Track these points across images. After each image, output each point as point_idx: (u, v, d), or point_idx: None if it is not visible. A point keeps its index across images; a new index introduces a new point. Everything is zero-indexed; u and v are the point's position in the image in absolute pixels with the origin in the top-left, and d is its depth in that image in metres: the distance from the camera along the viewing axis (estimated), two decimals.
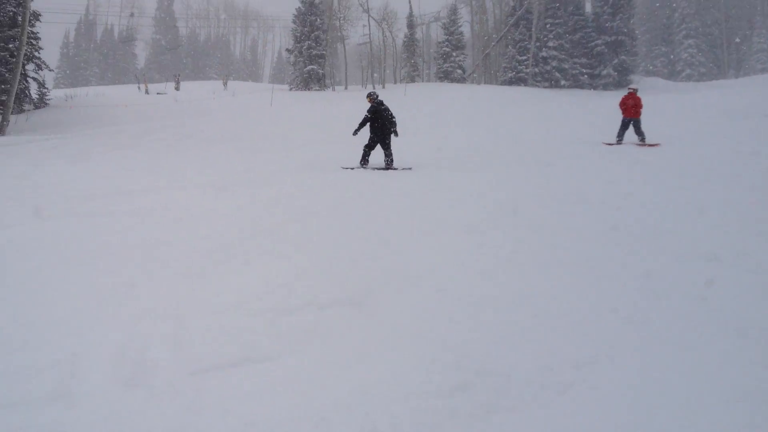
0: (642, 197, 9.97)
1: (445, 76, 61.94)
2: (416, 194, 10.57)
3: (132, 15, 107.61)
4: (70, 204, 10.28)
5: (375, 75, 63.71)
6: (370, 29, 62.59)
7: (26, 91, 34.64)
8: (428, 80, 70.88)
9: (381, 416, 3.63)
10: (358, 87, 62.40)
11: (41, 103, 36.54)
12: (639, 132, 18.01)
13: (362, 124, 13.72)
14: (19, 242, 7.90)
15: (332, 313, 5.20)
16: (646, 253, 6.74)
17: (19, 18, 30.48)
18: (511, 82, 58.45)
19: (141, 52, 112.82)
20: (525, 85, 56.25)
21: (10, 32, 32.45)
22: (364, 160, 13.79)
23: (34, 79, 35.81)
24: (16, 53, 28.49)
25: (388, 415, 3.65)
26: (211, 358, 4.37)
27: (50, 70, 39.60)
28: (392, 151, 13.88)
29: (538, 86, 55.61)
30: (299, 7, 55.93)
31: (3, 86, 31.18)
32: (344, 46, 65.38)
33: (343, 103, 36.70)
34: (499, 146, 17.63)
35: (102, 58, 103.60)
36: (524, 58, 58.40)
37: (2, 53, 32.17)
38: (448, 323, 4.96)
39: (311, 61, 54.23)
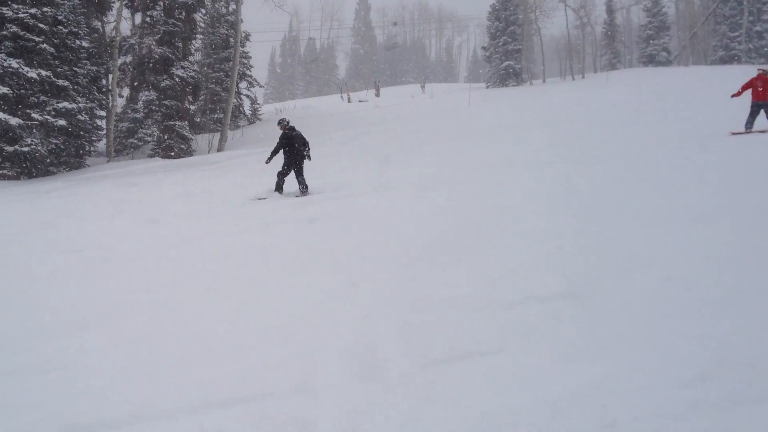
0: None
1: (649, 61, 58.94)
2: (643, 183, 10.10)
3: (395, 24, 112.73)
4: (286, 211, 11.16)
5: (574, 65, 61.96)
6: (567, 19, 61.00)
7: (240, 108, 37.96)
8: (630, 66, 67.56)
9: (620, 408, 3.51)
10: (556, 79, 60.85)
11: (254, 118, 39.79)
12: None
13: (275, 152, 13.68)
14: (246, 247, 8.68)
15: (553, 306, 5.14)
16: None
17: (232, 39, 33.55)
18: (722, 62, 54.03)
19: (341, 63, 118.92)
20: (738, 63, 51.57)
21: (223, 53, 35.83)
22: (279, 188, 13.70)
23: (247, 96, 39.18)
24: (230, 73, 31.28)
25: (628, 406, 3.52)
26: (438, 351, 4.50)
27: (261, 86, 43.05)
28: (305, 178, 13.64)
29: (753, 63, 50.74)
30: (494, 4, 56.02)
31: (220, 105, 34.50)
32: (541, 39, 64.25)
33: (542, 97, 35.92)
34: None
35: (306, 71, 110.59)
36: (736, 34, 53.90)
37: (218, 73, 35.60)
38: (681, 313, 4.70)
39: (507, 57, 53.98)
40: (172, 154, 26.27)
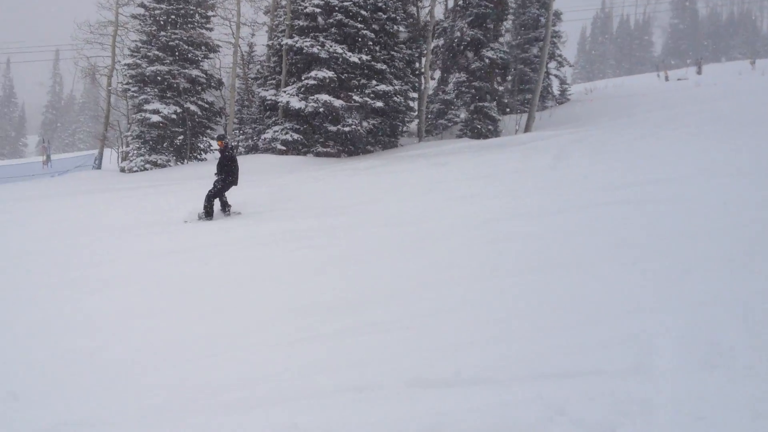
0: None
1: None
2: None
3: None
4: (593, 195, 10.57)
5: None
6: None
7: (548, 89, 37.43)
8: None
9: None
10: None
11: (563, 98, 39.02)
12: None
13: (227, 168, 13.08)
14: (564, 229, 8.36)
15: None
16: None
17: (542, 19, 33.13)
18: None
19: (657, 40, 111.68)
20: None
21: (533, 33, 35.57)
22: (211, 211, 12.96)
23: (556, 75, 38.49)
24: (539, 53, 30.93)
25: None
26: None
27: (570, 66, 42.04)
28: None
29: None
30: None
31: (528, 85, 34.37)
32: None
33: None
34: None
35: (618, 49, 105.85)
36: None
37: (527, 54, 35.48)
38: None
39: None
40: (480, 134, 26.78)
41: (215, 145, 28.48)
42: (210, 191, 12.99)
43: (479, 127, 27.07)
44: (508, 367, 4.21)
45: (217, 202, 13.21)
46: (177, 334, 5.87)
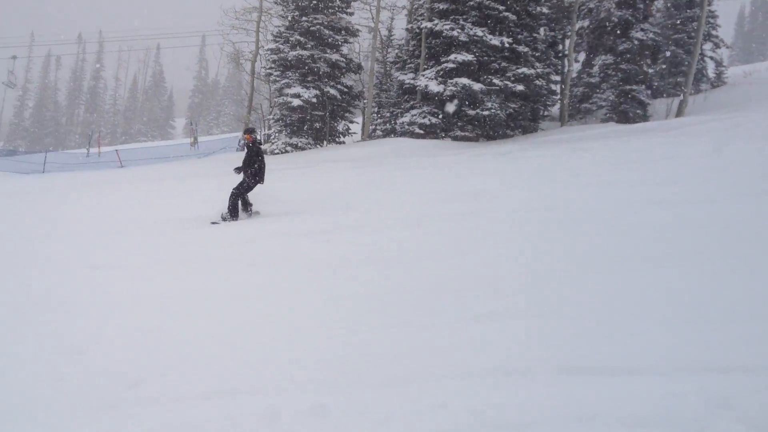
0: None
1: None
2: None
3: None
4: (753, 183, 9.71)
5: None
6: None
7: (703, 71, 35.27)
8: None
9: None
10: None
11: (718, 81, 36.68)
12: None
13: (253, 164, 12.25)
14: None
15: None
16: None
17: None
18: None
19: None
20: None
21: (687, 13, 33.55)
22: (236, 211, 12.15)
23: (711, 58, 36.17)
24: (693, 34, 29.14)
25: None
26: None
27: (727, 47, 39.39)
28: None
29: None
30: None
31: (681, 68, 32.51)
32: None
33: None
34: None
35: None
36: None
37: (679, 35, 33.52)
38: None
39: None
40: (627, 119, 25.63)
41: (354, 128, 29.16)
42: (235, 189, 12.21)
43: (626, 111, 25.93)
44: (668, 357, 4.05)
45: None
46: (345, 310, 5.90)
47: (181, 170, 23.38)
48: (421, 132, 23.16)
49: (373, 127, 28.09)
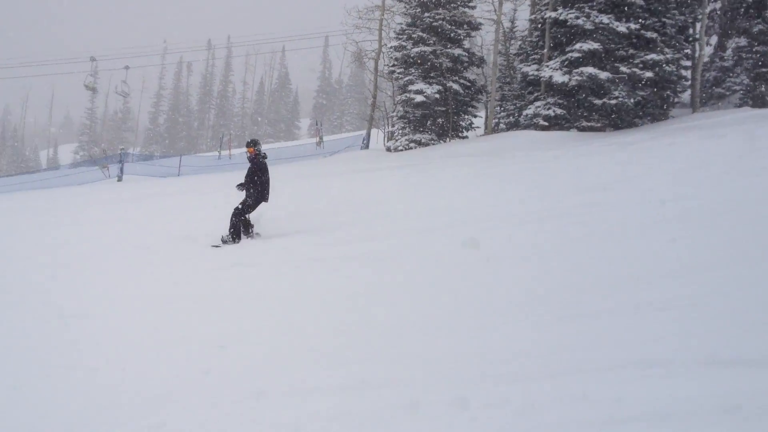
0: None
1: None
2: None
3: None
4: None
5: None
6: None
7: None
8: None
9: None
10: None
11: None
12: None
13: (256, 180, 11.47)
14: None
15: None
16: None
17: None
18: None
19: None
20: None
21: None
22: (238, 232, 11.24)
23: None
24: None
25: None
26: None
27: None
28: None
29: None
30: None
31: None
32: None
33: None
34: None
35: None
36: None
37: None
38: None
39: None
40: (764, 103, 24.42)
41: (477, 122, 29.32)
42: (237, 208, 11.26)
43: (763, 95, 24.75)
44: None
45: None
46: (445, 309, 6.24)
47: (312, 169, 24.39)
48: (546, 124, 23.06)
49: (497, 120, 28.12)
